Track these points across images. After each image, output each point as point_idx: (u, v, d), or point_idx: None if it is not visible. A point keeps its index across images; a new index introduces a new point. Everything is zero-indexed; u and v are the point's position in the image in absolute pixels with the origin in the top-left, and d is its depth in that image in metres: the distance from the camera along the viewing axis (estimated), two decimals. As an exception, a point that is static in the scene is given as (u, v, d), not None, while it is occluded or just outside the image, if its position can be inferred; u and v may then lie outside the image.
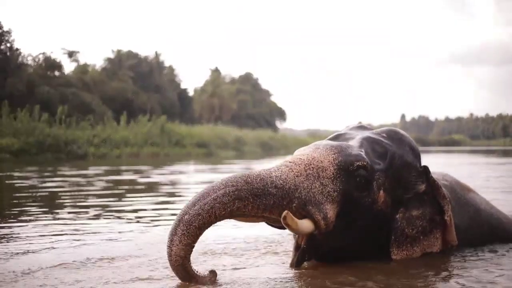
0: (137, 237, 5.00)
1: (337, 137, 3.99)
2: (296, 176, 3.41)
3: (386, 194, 3.68)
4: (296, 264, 3.69)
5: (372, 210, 3.63)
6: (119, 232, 5.24)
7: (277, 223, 3.44)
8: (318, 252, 3.69)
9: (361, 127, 4.17)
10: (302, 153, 3.64)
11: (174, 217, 3.26)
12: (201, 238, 3.25)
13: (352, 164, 3.54)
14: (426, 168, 3.90)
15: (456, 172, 5.62)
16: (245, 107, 72.69)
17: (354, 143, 3.78)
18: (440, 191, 3.86)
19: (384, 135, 3.94)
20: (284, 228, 3.40)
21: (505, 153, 38.50)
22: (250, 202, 3.25)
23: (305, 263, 3.75)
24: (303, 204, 3.37)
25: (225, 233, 5.00)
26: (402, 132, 4.06)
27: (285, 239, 4.70)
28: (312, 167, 3.48)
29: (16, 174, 14.82)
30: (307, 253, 3.66)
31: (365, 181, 3.57)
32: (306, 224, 3.38)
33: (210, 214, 3.18)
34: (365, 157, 3.62)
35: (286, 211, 3.26)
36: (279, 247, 4.50)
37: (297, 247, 3.75)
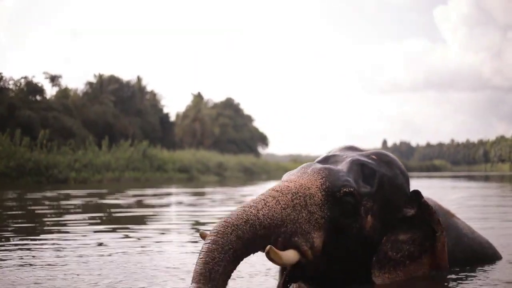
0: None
1: (326, 159, 3.94)
2: (283, 209, 3.34)
3: (374, 219, 3.62)
4: (282, 287, 3.65)
5: (360, 235, 3.58)
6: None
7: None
8: (305, 275, 3.65)
9: (351, 148, 4.12)
10: (290, 178, 3.60)
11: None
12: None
13: (339, 190, 3.49)
14: (417, 192, 3.84)
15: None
16: (227, 132, 72.81)
17: (342, 167, 3.73)
18: (434, 216, 3.79)
19: (373, 157, 3.88)
20: None
21: (486, 179, 38.77)
22: (244, 253, 3.18)
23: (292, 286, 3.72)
24: (289, 237, 3.31)
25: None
26: (391, 155, 4.00)
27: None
28: (299, 196, 3.42)
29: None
30: (293, 276, 3.62)
31: (352, 207, 3.52)
32: (291, 256, 3.31)
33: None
34: (352, 183, 3.56)
35: (269, 246, 3.18)
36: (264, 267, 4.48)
37: (282, 270, 3.72)
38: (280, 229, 3.29)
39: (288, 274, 3.60)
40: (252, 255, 3.28)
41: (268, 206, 3.31)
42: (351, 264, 3.63)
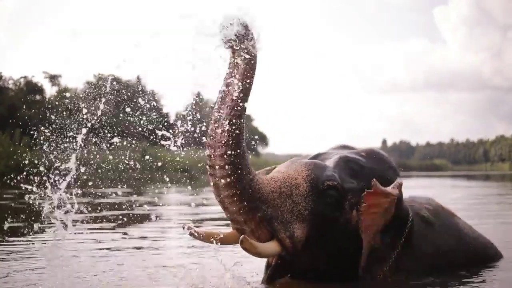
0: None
1: (317, 156, 3.96)
2: (271, 192, 3.42)
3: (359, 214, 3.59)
4: (267, 282, 3.64)
5: (346, 230, 3.57)
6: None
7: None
8: (290, 269, 3.65)
9: (343, 147, 4.15)
10: (279, 169, 3.66)
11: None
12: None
13: (323, 183, 3.51)
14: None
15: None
16: (227, 131, 72.69)
17: (329, 163, 3.75)
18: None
19: (363, 154, 3.89)
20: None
21: (487, 178, 38.75)
22: (233, 170, 3.26)
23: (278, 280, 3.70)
24: (268, 219, 3.35)
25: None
26: (382, 152, 4.01)
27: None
28: (287, 185, 3.48)
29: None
30: (279, 271, 3.61)
31: (336, 201, 3.53)
32: (269, 247, 3.35)
33: None
34: (336, 177, 3.57)
35: (242, 236, 3.24)
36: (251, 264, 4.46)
37: (267, 266, 3.72)
38: (262, 205, 3.35)
39: (273, 269, 3.60)
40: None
41: (261, 182, 3.42)
42: (340, 261, 3.62)
